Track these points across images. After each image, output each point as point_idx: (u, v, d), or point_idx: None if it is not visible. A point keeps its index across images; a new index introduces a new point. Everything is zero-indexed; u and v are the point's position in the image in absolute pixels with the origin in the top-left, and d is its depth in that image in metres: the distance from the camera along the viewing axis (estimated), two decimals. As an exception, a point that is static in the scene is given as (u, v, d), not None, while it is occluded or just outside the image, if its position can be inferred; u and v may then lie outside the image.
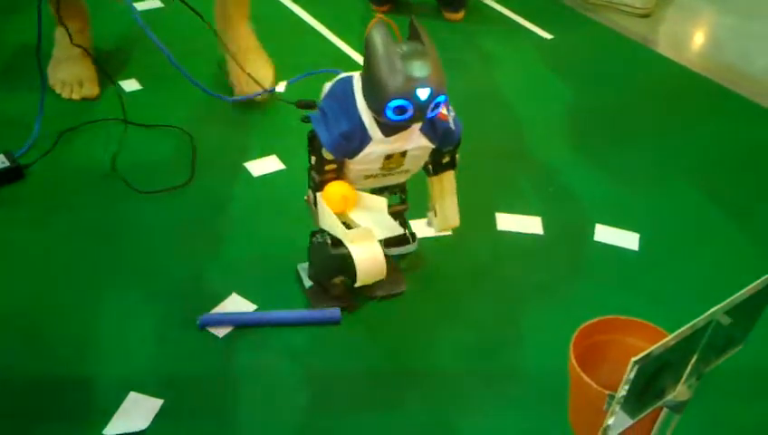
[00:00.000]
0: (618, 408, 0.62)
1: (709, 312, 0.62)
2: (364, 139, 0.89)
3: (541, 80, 1.75)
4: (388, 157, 0.94)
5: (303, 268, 1.14)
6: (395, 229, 0.96)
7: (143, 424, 0.94)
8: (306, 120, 0.94)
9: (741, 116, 1.67)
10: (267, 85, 1.51)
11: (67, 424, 0.95)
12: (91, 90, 1.54)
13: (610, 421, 0.64)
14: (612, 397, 0.66)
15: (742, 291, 0.63)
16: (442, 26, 1.94)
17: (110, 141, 1.44)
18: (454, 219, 1.04)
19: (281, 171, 1.40)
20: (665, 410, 0.70)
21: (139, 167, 1.37)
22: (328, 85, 0.94)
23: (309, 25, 1.92)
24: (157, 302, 1.12)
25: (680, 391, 0.68)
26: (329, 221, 0.96)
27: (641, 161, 1.49)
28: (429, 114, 0.86)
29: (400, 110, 0.83)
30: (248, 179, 1.38)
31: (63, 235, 1.23)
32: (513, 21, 2.00)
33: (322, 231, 1.03)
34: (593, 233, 1.29)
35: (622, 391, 0.60)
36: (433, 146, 0.95)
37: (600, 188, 1.40)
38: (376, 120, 0.88)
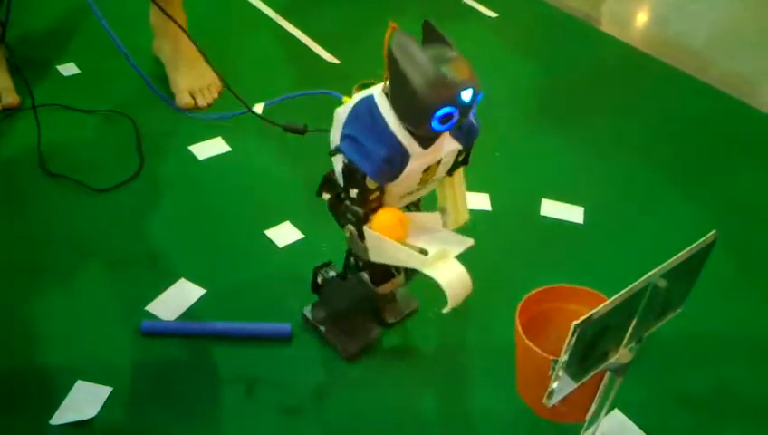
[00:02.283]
0: (561, 372, 0.63)
1: (647, 275, 0.64)
2: (404, 157, 0.83)
3: (485, 59, 1.76)
4: (426, 169, 0.88)
5: (309, 311, 1.07)
6: (465, 242, 0.88)
7: (92, 412, 0.93)
8: (336, 152, 0.87)
9: (681, 91, 1.71)
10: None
11: (12, 416, 0.92)
12: (12, 99, 1.45)
13: (554, 385, 0.65)
14: (557, 362, 0.68)
15: (677, 255, 0.65)
16: (382, 8, 1.94)
17: (47, 128, 1.39)
18: (465, 216, 0.99)
19: (227, 153, 1.38)
20: (608, 373, 0.72)
21: (76, 155, 1.34)
22: (342, 111, 0.86)
23: (260, 12, 1.89)
24: (102, 288, 1.10)
25: (622, 354, 0.70)
26: (391, 252, 0.86)
27: (586, 137, 1.52)
28: (471, 114, 0.82)
29: (447, 117, 0.77)
30: (194, 163, 1.36)
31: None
32: (457, 0, 2.00)
33: (326, 266, 1.00)
34: (539, 208, 1.32)
35: (564, 355, 0.61)
36: (461, 147, 0.89)
37: (546, 164, 1.43)
38: (411, 133, 0.82)
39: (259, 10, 1.88)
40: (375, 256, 0.88)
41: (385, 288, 0.95)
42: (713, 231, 0.70)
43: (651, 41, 1.93)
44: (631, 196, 1.37)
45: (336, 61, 1.70)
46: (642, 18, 2.13)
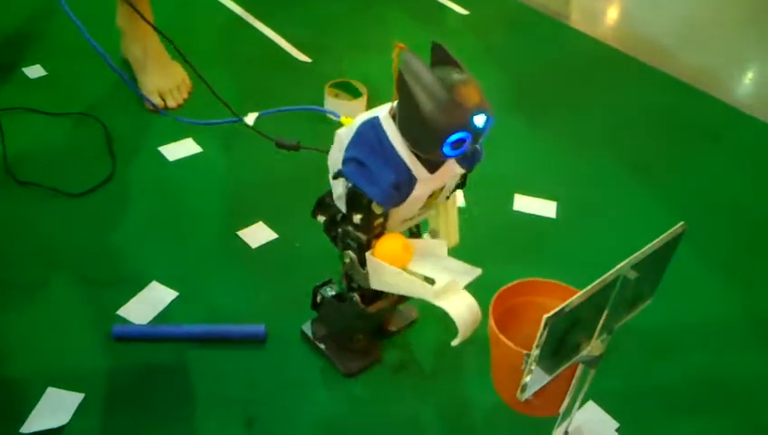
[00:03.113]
0: (534, 366, 0.63)
1: (617, 267, 0.64)
2: (411, 182, 0.80)
3: (455, 54, 1.76)
4: (431, 194, 0.86)
5: (309, 328, 1.05)
6: (471, 271, 0.86)
7: (64, 419, 0.91)
8: (338, 175, 0.84)
9: (649, 84, 1.74)
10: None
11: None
12: None
13: (527, 379, 0.65)
14: (529, 355, 0.68)
15: (646, 247, 0.66)
16: (354, 7, 1.94)
17: (13, 134, 1.37)
18: (455, 238, 0.96)
19: (197, 154, 1.37)
20: (580, 365, 0.72)
21: (45, 161, 1.32)
22: (345, 133, 0.83)
23: (237, 16, 1.88)
24: (73, 294, 1.08)
25: (594, 346, 0.70)
26: (394, 281, 0.84)
27: (557, 132, 1.53)
28: (483, 139, 0.79)
29: (459, 142, 0.75)
30: (164, 164, 1.34)
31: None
32: (429, -2, 2.01)
33: (329, 284, 0.98)
34: (512, 203, 1.32)
35: (536, 348, 0.61)
36: (464, 171, 0.86)
37: (519, 160, 1.43)
38: (419, 157, 0.79)
39: (229, 9, 1.87)
40: (377, 284, 0.86)
41: (376, 307, 0.93)
42: (681, 223, 0.71)
43: (620, 36, 1.96)
44: (603, 189, 1.39)
45: (308, 59, 1.69)
46: (611, 14, 2.15)
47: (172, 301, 1.08)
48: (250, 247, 1.19)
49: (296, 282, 1.11)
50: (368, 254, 0.84)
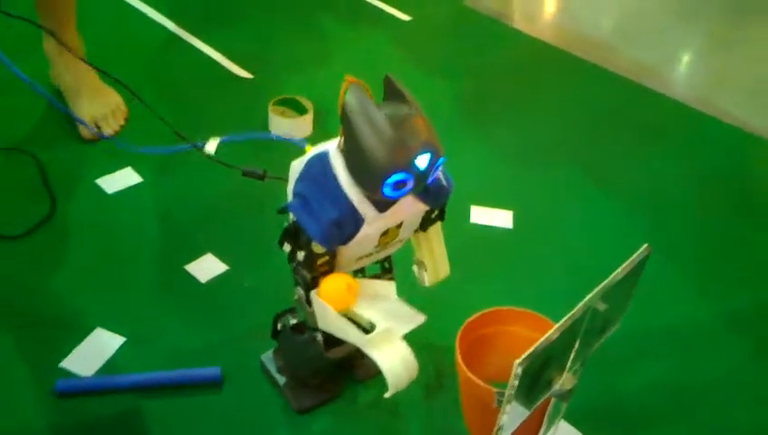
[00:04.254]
0: (508, 409, 0.60)
1: (585, 300, 0.61)
2: (357, 221, 0.76)
3: (399, 64, 1.73)
4: (384, 232, 0.82)
5: (269, 359, 1.00)
6: (415, 318, 0.81)
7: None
8: (284, 211, 0.80)
9: (591, 82, 1.73)
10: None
11: None
12: None
13: (503, 421, 0.62)
14: (501, 394, 0.65)
15: (612, 275, 0.63)
16: (294, 19, 1.88)
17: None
18: (445, 271, 0.93)
19: (138, 185, 1.30)
20: (553, 399, 0.70)
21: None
22: (297, 165, 0.80)
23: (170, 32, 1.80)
24: (9, 349, 1.01)
25: (566, 380, 0.68)
26: (335, 323, 0.80)
27: (507, 138, 1.51)
28: (430, 180, 0.75)
29: (400, 184, 0.71)
30: (103, 197, 1.27)
31: None
32: (369, 4, 1.97)
33: (291, 312, 0.92)
34: (469, 215, 1.30)
35: (510, 393, 0.58)
36: (427, 208, 0.83)
37: (472, 170, 1.41)
38: (367, 196, 0.76)
39: (162, 26, 1.79)
40: (322, 325, 0.82)
41: (336, 353, 0.88)
42: (645, 245, 0.69)
43: (562, 35, 1.95)
44: (557, 194, 1.37)
45: (249, 75, 1.64)
46: (552, 13, 2.15)
47: (119, 347, 1.02)
48: (199, 282, 1.13)
49: (251, 316, 1.06)
50: (312, 293, 0.80)
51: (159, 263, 1.16)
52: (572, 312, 0.61)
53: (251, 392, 0.97)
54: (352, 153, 0.73)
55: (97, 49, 1.52)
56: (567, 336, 0.62)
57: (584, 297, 0.63)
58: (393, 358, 0.76)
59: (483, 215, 1.30)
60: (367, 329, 0.78)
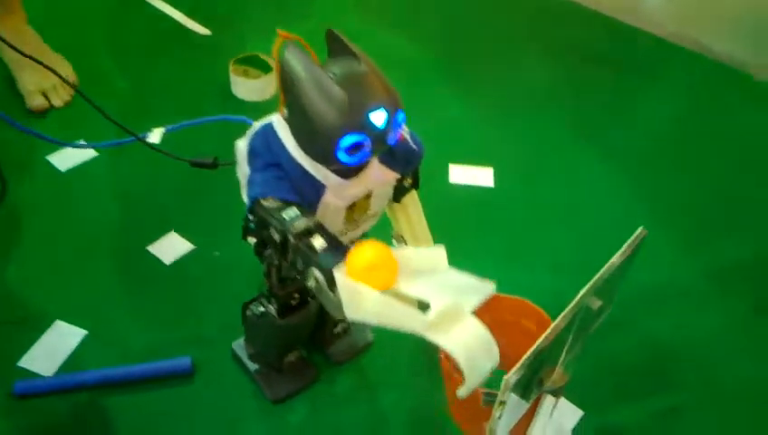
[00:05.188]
0: (500, 417, 0.55)
1: (577, 298, 0.56)
2: (316, 187, 0.68)
3: (365, 19, 1.63)
4: (351, 207, 0.73)
5: (240, 346, 0.93)
6: (482, 288, 0.61)
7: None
8: (251, 213, 0.70)
9: (581, 33, 1.64)
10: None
11: None
12: None
13: (496, 430, 0.57)
14: (488, 395, 0.60)
15: (603, 269, 0.57)
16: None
17: None
18: (427, 242, 0.85)
19: (93, 159, 1.21)
20: (546, 395, 0.65)
21: None
22: (241, 145, 0.72)
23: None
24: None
25: (558, 377, 0.63)
26: (377, 308, 0.59)
27: (484, 93, 1.43)
28: (391, 140, 0.67)
29: (355, 148, 0.64)
30: (56, 176, 1.18)
31: None
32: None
33: (258, 300, 0.84)
34: (448, 175, 1.23)
35: (502, 404, 0.53)
36: (398, 175, 0.75)
37: (449, 128, 1.33)
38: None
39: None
40: (353, 313, 0.61)
41: (293, 319, 0.83)
42: (640, 228, 0.63)
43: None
44: (537, 149, 1.30)
45: (207, 32, 1.53)
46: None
47: (81, 341, 0.96)
48: (164, 264, 1.06)
49: (221, 298, 1.00)
50: (337, 273, 0.61)
51: (120, 245, 1.08)
52: (564, 313, 0.55)
53: (223, 383, 0.92)
54: (297, 119, 0.66)
55: (44, 12, 1.41)
56: (559, 335, 0.56)
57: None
58: (466, 339, 0.57)
59: (462, 174, 1.23)
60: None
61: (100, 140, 1.24)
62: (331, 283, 0.61)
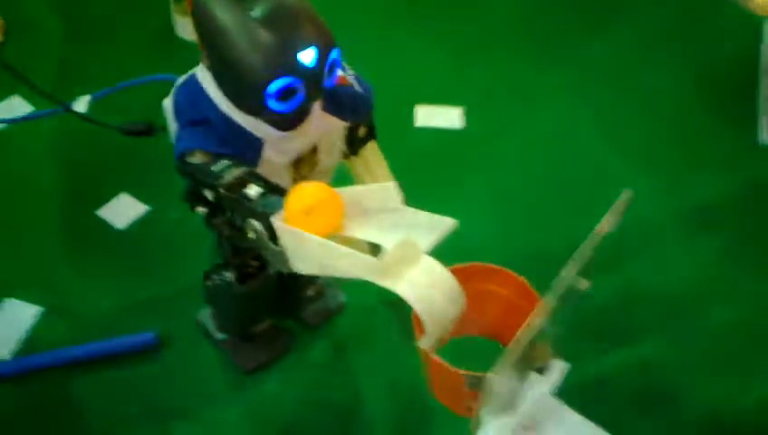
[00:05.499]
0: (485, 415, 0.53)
1: (560, 282, 0.52)
2: (253, 143, 0.62)
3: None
4: (297, 163, 0.67)
5: (207, 316, 0.87)
6: (439, 224, 0.55)
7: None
8: (181, 172, 0.63)
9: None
10: None
11: None
12: None
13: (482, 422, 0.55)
14: (471, 377, 0.57)
15: (582, 247, 0.54)
16: None
17: None
18: None
19: (29, 115, 1.11)
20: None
21: None
22: (167, 103, 0.66)
23: None
24: None
25: (545, 352, 0.60)
26: (322, 257, 0.53)
27: (452, 26, 1.34)
28: (328, 82, 0.60)
29: (287, 92, 0.57)
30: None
31: None
32: None
33: (216, 269, 0.78)
34: (413, 118, 1.17)
35: (489, 407, 0.50)
36: (345, 124, 0.68)
37: (414, 66, 1.25)
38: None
39: None
40: (300, 264, 0.56)
41: (252, 285, 0.78)
42: (625, 191, 0.59)
43: None
44: (506, 87, 1.23)
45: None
46: None
47: (36, 319, 0.90)
48: (116, 229, 1.00)
49: (182, 263, 0.95)
50: (275, 220, 0.55)
51: (67, 211, 1.02)
52: (547, 300, 0.52)
53: (191, 356, 0.88)
54: (219, 68, 0.60)
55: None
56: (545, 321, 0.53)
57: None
58: (423, 283, 0.51)
59: (429, 115, 1.17)
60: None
61: (36, 99, 1.14)
62: (271, 232, 0.55)
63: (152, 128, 0.80)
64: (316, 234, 0.53)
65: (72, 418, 0.83)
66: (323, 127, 0.66)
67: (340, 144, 0.71)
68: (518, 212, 1.05)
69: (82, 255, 0.97)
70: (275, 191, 0.57)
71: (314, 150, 0.68)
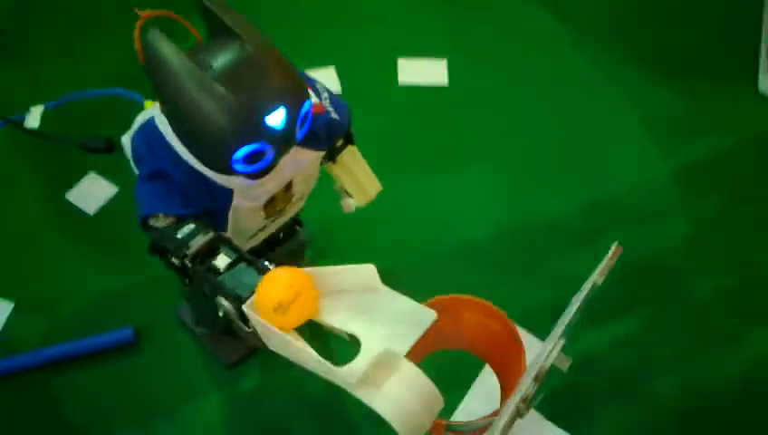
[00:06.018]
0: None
1: (586, 289, 0.49)
2: (221, 192, 0.57)
3: None
4: (269, 202, 0.62)
5: (185, 311, 0.84)
6: (420, 317, 0.49)
7: None
8: (144, 227, 0.59)
9: None
10: None
11: None
12: None
13: None
14: (450, 427, 0.55)
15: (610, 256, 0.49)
16: None
17: None
18: (375, 188, 0.74)
19: None
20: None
21: None
22: (126, 141, 0.61)
23: None
24: None
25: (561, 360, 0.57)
26: (294, 353, 0.50)
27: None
28: (300, 134, 0.55)
29: (255, 156, 0.52)
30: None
31: None
32: None
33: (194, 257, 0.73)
34: (396, 74, 1.09)
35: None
36: (322, 152, 0.64)
37: (394, 19, 1.16)
38: None
39: None
40: (274, 347, 0.52)
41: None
42: (614, 243, 0.55)
43: None
44: (495, 31, 1.15)
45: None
46: None
47: (9, 315, 0.87)
48: (87, 214, 0.95)
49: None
50: (246, 308, 0.51)
51: (35, 197, 0.97)
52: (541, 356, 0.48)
53: (170, 351, 0.86)
54: (176, 118, 0.54)
55: None
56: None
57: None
58: (401, 397, 0.47)
59: (413, 70, 1.10)
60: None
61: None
62: (242, 316, 0.51)
63: (112, 145, 0.75)
64: (288, 328, 0.49)
65: (51, 418, 0.82)
66: (298, 163, 0.62)
67: (315, 171, 0.68)
68: (506, 176, 1.00)
69: (54, 244, 0.93)
70: (244, 260, 0.54)
71: (289, 185, 0.64)
